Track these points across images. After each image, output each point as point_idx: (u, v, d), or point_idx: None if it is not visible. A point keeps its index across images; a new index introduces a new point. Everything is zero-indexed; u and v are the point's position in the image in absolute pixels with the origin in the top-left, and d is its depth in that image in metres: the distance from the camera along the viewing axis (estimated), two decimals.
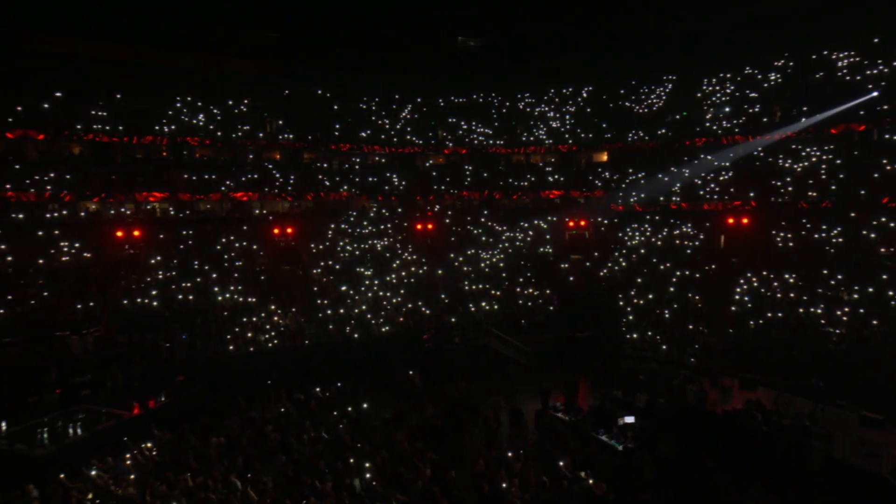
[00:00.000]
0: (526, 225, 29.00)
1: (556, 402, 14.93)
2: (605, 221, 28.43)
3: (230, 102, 27.61)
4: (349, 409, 14.30)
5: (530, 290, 24.19)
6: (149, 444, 12.01)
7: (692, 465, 11.27)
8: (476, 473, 10.49)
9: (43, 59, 23.34)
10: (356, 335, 20.05)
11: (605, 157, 32.04)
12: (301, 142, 28.91)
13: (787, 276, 21.77)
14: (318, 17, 25.59)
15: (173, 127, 25.98)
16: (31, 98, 23.41)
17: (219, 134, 27.01)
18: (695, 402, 14.37)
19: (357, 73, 29.42)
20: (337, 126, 29.57)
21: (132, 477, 10.57)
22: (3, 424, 13.04)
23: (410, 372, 17.16)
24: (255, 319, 20.19)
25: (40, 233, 21.69)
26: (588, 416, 13.73)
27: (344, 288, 22.86)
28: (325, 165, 29.79)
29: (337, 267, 24.45)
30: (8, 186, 22.42)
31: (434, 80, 31.01)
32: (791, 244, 23.37)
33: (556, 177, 31.12)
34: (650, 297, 22.65)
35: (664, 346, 19.82)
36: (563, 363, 18.66)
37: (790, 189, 24.92)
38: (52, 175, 23.21)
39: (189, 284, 21.37)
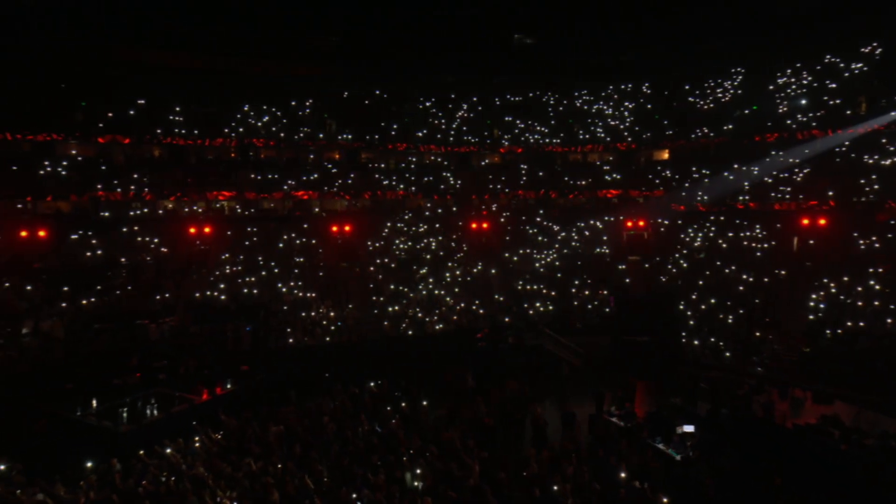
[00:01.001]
0: (582, 225, 28.41)
1: (611, 407, 14.57)
2: (666, 222, 27.36)
3: (293, 104, 28.80)
4: (402, 404, 14.58)
5: (585, 292, 23.70)
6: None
7: (758, 480, 10.69)
8: (527, 475, 10.45)
9: (128, 70, 25.33)
10: (410, 332, 20.39)
11: (665, 155, 30.87)
12: (359, 142, 29.70)
13: (871, 282, 20.13)
14: (377, 20, 26.19)
15: (241, 130, 27.41)
16: (119, 106, 25.49)
17: (282, 135, 28.27)
18: (762, 414, 13.59)
19: (414, 74, 29.86)
20: (394, 126, 30.14)
21: (201, 458, 11.30)
22: (94, 402, 14.31)
23: (463, 370, 17.26)
24: (313, 314, 20.95)
25: (125, 229, 23.55)
26: (644, 423, 13.31)
27: (399, 286, 23.28)
28: (382, 165, 30.44)
29: (392, 265, 24.94)
30: (99, 187, 24.53)
31: (490, 80, 30.97)
32: (877, 246, 21.60)
33: (614, 176, 30.30)
34: (713, 301, 21.61)
35: (727, 354, 18.87)
36: (619, 367, 18.15)
37: (876, 187, 23.01)
38: (135, 176, 25.14)
39: (253, 279, 22.47)
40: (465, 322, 21.43)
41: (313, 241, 25.57)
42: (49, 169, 24.21)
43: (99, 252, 22.28)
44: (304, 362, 18.02)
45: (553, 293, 23.52)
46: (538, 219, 29.08)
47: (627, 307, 20.44)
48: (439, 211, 29.44)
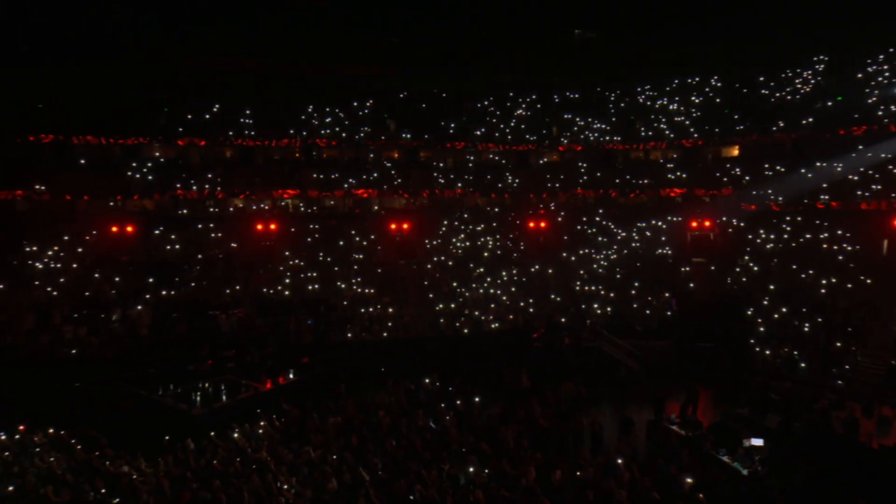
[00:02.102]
0: (643, 225, 27.42)
1: (672, 414, 14.03)
2: (734, 222, 25.90)
3: (354, 105, 29.64)
4: (457, 402, 14.70)
5: (646, 294, 22.89)
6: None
7: (836, 501, 9.96)
8: (583, 478, 10.27)
9: (205, 77, 27.04)
10: (466, 330, 20.50)
11: (735, 152, 29.20)
12: (418, 141, 30.11)
13: None
14: (436, 19, 26.44)
15: (304, 133, 28.55)
16: (196, 110, 27.26)
17: (343, 135, 29.15)
18: (842, 431, 12.63)
19: (472, 73, 29.92)
20: (452, 125, 30.33)
21: (264, 443, 11.92)
22: (171, 385, 15.44)
23: (518, 370, 17.17)
24: (371, 310, 21.49)
25: (199, 226, 25.14)
26: (708, 433, 12.72)
27: (456, 284, 23.45)
28: (441, 164, 30.69)
29: (450, 263, 25.14)
30: (178, 186, 26.34)
31: (549, 77, 30.54)
32: None
33: (679, 174, 29.02)
34: (785, 308, 20.25)
35: (802, 365, 17.66)
36: (681, 373, 17.42)
37: None
38: (209, 176, 26.79)
39: (315, 275, 23.33)
40: (521, 321, 21.30)
41: (372, 239, 26.21)
42: (135, 170, 26.22)
43: (177, 247, 23.91)
44: (361, 357, 18.56)
45: (612, 294, 22.91)
46: (597, 218, 28.37)
47: (690, 311, 19.62)
48: (497, 210, 29.35)
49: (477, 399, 15.28)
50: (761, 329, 19.63)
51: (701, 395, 15.01)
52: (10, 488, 9.94)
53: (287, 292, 22.11)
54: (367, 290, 22.78)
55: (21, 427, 12.73)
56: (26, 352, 17.26)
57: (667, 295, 22.28)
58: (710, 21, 26.15)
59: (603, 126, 30.66)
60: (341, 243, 25.70)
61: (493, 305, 22.29)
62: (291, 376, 16.79)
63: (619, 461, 10.83)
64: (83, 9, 20.11)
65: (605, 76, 30.64)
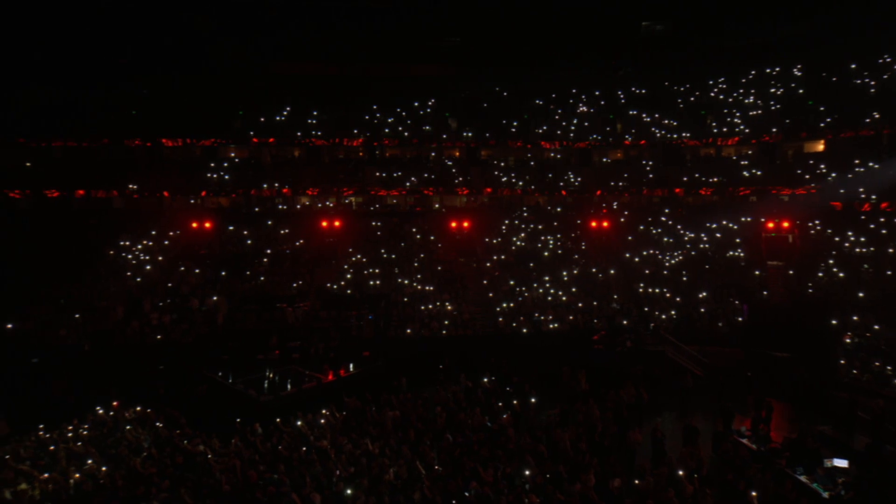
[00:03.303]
0: (714, 226, 26.03)
1: (741, 427, 13.31)
2: (817, 223, 24.06)
3: (416, 105, 30.11)
4: (514, 401, 14.67)
5: (714, 298, 21.75)
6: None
7: None
8: (642, 488, 9.99)
9: (275, 81, 28.44)
10: (525, 330, 20.38)
11: (820, 147, 27.11)
12: (478, 139, 30.17)
13: None
14: (498, 17, 26.23)
15: (368, 133, 29.33)
16: (268, 112, 28.74)
17: (406, 134, 29.70)
18: None
19: (534, 70, 29.54)
20: (514, 123, 30.14)
21: (326, 432, 12.44)
22: (241, 372, 16.43)
23: (577, 371, 16.88)
24: (430, 307, 21.81)
25: (269, 222, 26.49)
26: (782, 450, 11.95)
27: (515, 282, 23.34)
28: (502, 163, 30.58)
29: (509, 261, 25.05)
30: (250, 185, 27.91)
31: (615, 72, 29.63)
32: None
33: (753, 171, 27.29)
34: (878, 317, 18.58)
35: None
36: (753, 384, 16.45)
37: None
38: (278, 175, 28.16)
39: (376, 271, 23.95)
40: (580, 322, 20.89)
41: (433, 237, 26.55)
42: (213, 169, 28.02)
43: (249, 242, 25.33)
44: (420, 353, 18.87)
45: (678, 298, 21.96)
46: (663, 218, 27.26)
47: (764, 318, 18.48)
48: (558, 209, 28.88)
49: (534, 400, 15.18)
50: (847, 340, 18.13)
51: (775, 408, 14.13)
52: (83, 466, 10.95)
53: (349, 288, 22.85)
54: (426, 287, 23.11)
55: (115, 403, 14.04)
56: (120, 336, 18.93)
57: (736, 301, 21.10)
58: (793, 5, 24.20)
59: (671, 121, 29.40)
60: (402, 241, 26.23)
61: (552, 305, 22.00)
62: (352, 369, 17.37)
63: (681, 472, 10.43)
64: (170, 25, 21.85)
65: (674, 69, 29.31)
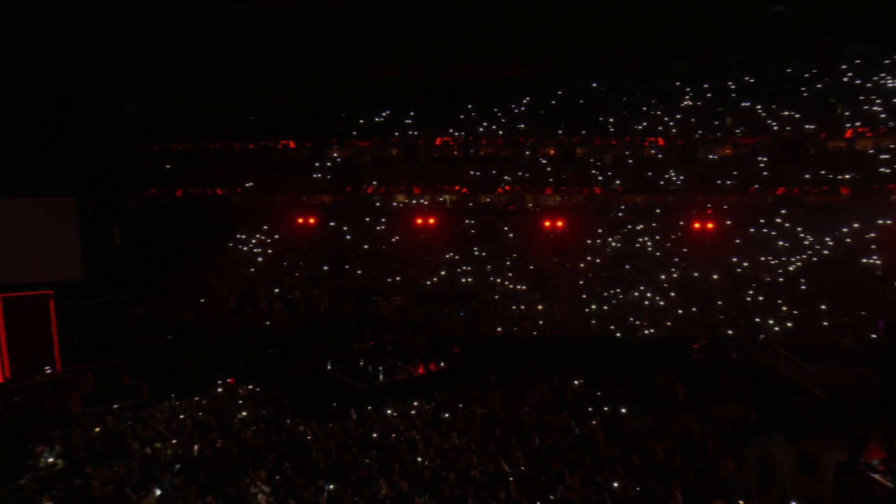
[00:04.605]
0: (845, 229, 23.21)
1: (873, 459, 11.78)
2: None
3: (510, 104, 30.02)
4: (605, 407, 14.22)
5: (840, 311, 19.43)
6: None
7: None
8: None
9: (375, 84, 29.70)
10: (619, 334, 19.65)
11: None
12: (574, 137, 29.43)
13: None
14: (593, 11, 25.22)
15: (462, 132, 29.72)
16: (367, 114, 30.17)
17: (500, 133, 29.73)
18: None
19: (633, 64, 28.10)
20: (611, 120, 29.02)
21: (415, 423, 12.87)
22: (338, 361, 17.51)
23: (674, 381, 15.96)
24: (522, 307, 21.70)
25: (367, 219, 27.85)
26: None
27: (609, 285, 22.55)
28: (599, 162, 29.57)
29: (604, 263, 24.24)
30: (350, 183, 29.52)
31: (725, 60, 27.28)
32: None
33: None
34: None
35: None
36: (887, 409, 14.52)
37: None
38: (377, 173, 29.50)
39: (469, 268, 24.28)
40: (680, 329, 19.72)
41: (526, 235, 26.39)
42: (317, 169, 29.98)
43: (348, 238, 26.84)
44: (510, 352, 18.90)
45: (795, 311, 19.91)
46: (778, 220, 24.80)
47: None
48: (657, 210, 27.37)
49: (624, 410, 14.59)
50: None
51: None
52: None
53: (442, 285, 23.39)
54: (517, 286, 23.04)
55: (230, 380, 15.60)
56: (235, 320, 21.01)
57: (866, 313, 18.70)
58: None
59: (791, 113, 26.61)
60: (495, 239, 26.34)
61: (648, 310, 20.97)
62: (442, 364, 17.82)
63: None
64: (278, 38, 23.90)
65: (798, 54, 26.41)
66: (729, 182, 26.95)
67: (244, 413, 13.21)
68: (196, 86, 26.42)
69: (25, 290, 17.14)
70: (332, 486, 9.89)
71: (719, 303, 21.02)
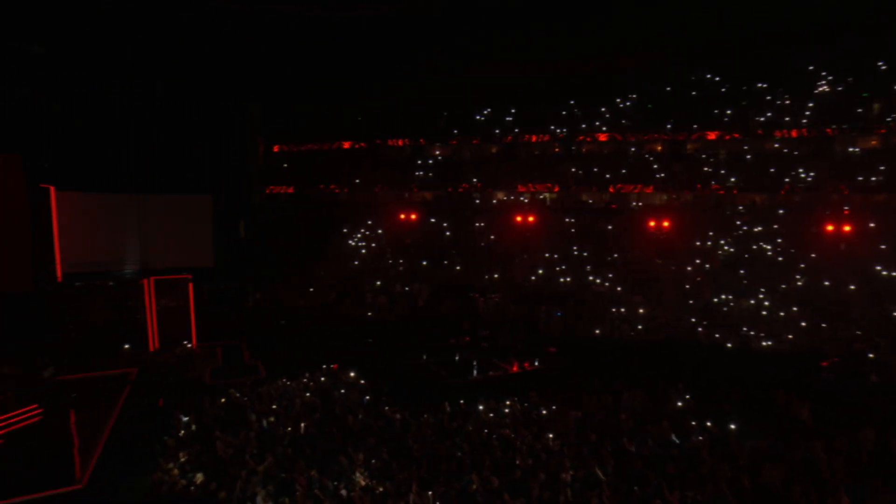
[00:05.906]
0: None
1: None
2: None
3: (616, 99, 28.76)
4: (709, 423, 13.23)
5: None
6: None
7: None
8: None
9: (475, 83, 30.00)
10: (729, 344, 18.16)
11: None
12: (684, 132, 27.53)
13: None
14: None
15: (564, 129, 29.00)
16: (468, 113, 30.59)
17: (603, 129, 28.61)
18: None
19: (757, 52, 25.47)
20: (727, 112, 26.70)
21: (508, 421, 12.88)
22: (434, 353, 17.99)
23: (797, 400, 14.39)
24: (622, 309, 20.82)
25: (467, 215, 28.27)
26: None
27: (721, 291, 20.89)
28: (711, 158, 27.39)
29: (715, 267, 22.48)
30: (450, 181, 30.15)
31: (876, 36, 23.70)
32: None
33: None
34: None
35: None
36: None
37: None
38: (477, 171, 29.80)
39: (567, 268, 23.75)
40: (803, 343, 17.74)
41: (628, 235, 25.25)
42: (419, 167, 30.94)
43: (448, 234, 27.44)
44: (608, 354, 18.24)
45: None
46: None
47: None
48: (780, 210, 24.73)
49: (733, 426, 13.44)
50: None
51: None
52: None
53: (539, 283, 23.11)
54: (618, 288, 22.14)
55: (334, 366, 16.70)
56: (340, 310, 22.43)
57: None
58: None
59: None
60: (596, 238, 25.50)
61: (766, 320, 19.09)
62: (537, 364, 17.63)
63: None
64: (388, 42, 25.28)
65: None
66: (873, 178, 23.62)
67: (346, 397, 14.07)
68: (312, 92, 28.57)
69: (171, 274, 19.77)
70: (424, 474, 10.23)
71: (856, 317, 18.57)
